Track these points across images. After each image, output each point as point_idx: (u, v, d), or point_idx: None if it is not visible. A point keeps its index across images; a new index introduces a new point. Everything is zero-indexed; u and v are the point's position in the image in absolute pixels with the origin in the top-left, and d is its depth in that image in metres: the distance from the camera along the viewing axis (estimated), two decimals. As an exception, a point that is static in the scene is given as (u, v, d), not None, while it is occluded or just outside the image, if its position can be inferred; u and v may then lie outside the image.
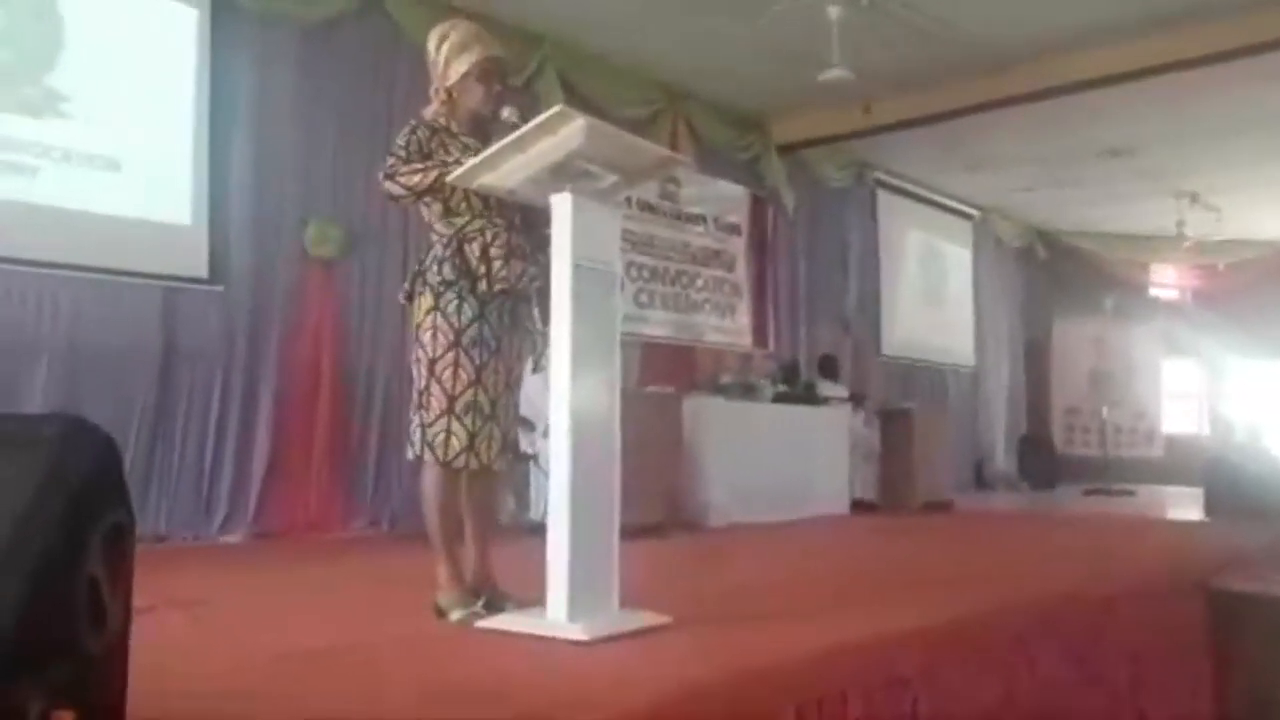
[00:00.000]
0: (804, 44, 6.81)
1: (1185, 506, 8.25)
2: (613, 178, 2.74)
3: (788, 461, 7.01)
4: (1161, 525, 7.51)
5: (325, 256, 5.97)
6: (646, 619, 2.68)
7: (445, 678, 2.25)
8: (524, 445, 5.55)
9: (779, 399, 7.57)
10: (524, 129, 2.53)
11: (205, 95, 5.59)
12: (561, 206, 2.62)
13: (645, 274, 7.81)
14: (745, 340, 8.76)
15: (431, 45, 3.01)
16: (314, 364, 5.92)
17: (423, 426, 2.88)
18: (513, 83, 6.09)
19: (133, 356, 5.22)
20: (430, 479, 2.92)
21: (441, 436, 2.85)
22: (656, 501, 5.76)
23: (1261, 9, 6.67)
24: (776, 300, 9.21)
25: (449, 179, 2.77)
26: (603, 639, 2.48)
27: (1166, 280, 14.65)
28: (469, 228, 2.91)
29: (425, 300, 2.90)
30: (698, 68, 7.83)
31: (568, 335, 2.58)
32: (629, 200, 7.51)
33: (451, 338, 2.86)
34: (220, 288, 5.59)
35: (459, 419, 2.85)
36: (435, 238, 2.95)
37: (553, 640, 2.49)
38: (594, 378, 2.68)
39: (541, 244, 2.94)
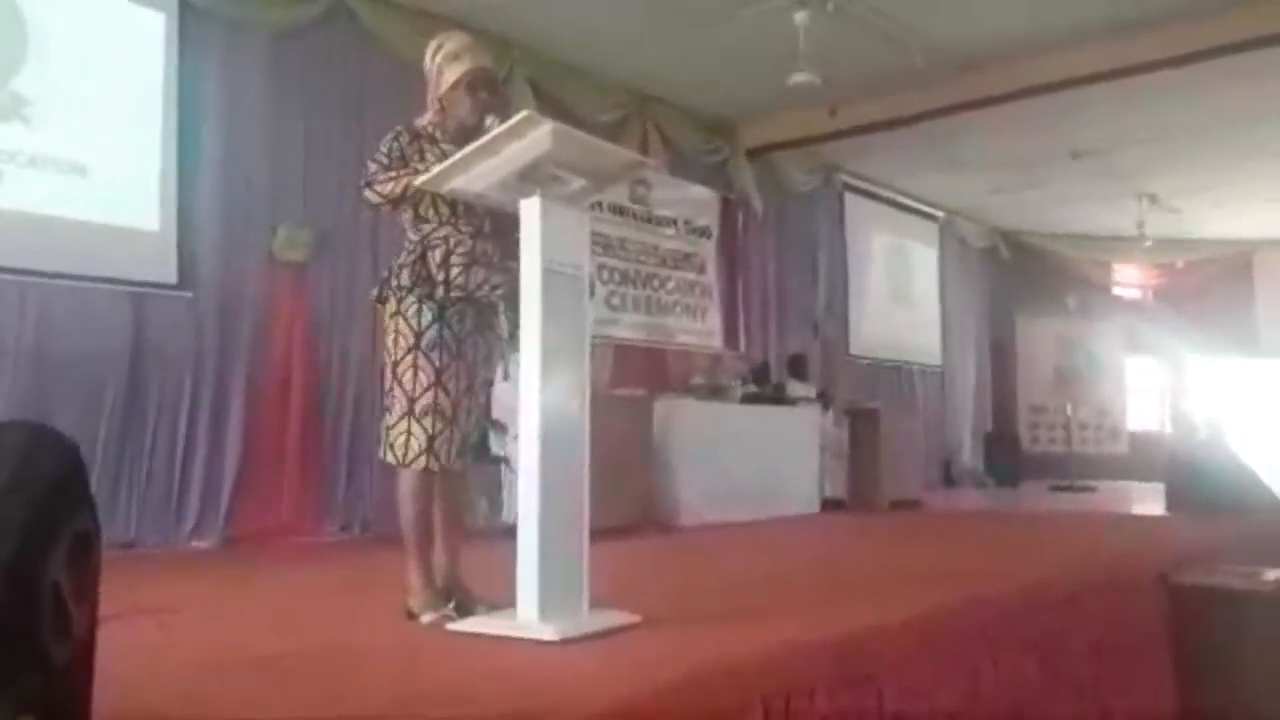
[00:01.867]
0: (771, 48, 6.87)
1: (1148, 502, 8.38)
2: (581, 182, 2.77)
3: (758, 461, 7.06)
4: (1124, 520, 7.63)
5: (294, 261, 5.96)
6: (616, 619, 2.71)
7: (416, 680, 2.27)
8: (496, 448, 5.58)
9: (749, 400, 7.62)
10: (492, 134, 2.56)
11: (173, 100, 5.56)
12: (530, 210, 2.65)
13: (616, 277, 7.84)
14: (715, 342, 8.82)
15: (428, 55, 3.08)
16: (284, 369, 5.90)
17: (387, 429, 2.95)
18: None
19: (101, 362, 5.18)
20: (406, 483, 2.96)
21: (402, 438, 2.90)
22: (628, 502, 5.79)
23: (1220, 14, 6.80)
24: (746, 302, 9.27)
25: (416, 183, 2.80)
26: (573, 639, 2.51)
27: (1128, 279, 14.90)
28: (434, 234, 2.95)
29: (390, 304, 2.97)
30: (666, 72, 7.88)
31: (537, 338, 2.61)
32: (599, 203, 7.54)
33: (411, 341, 2.91)
34: (189, 293, 5.56)
35: (418, 421, 2.89)
36: (406, 243, 3.01)
37: (523, 641, 2.52)
38: (564, 380, 2.71)
39: (511, 250, 2.97)
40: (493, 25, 6.86)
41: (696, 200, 8.74)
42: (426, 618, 2.84)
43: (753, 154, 9.29)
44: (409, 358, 2.92)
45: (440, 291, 2.92)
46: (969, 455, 12.49)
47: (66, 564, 1.37)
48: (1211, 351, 13.99)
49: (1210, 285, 14.11)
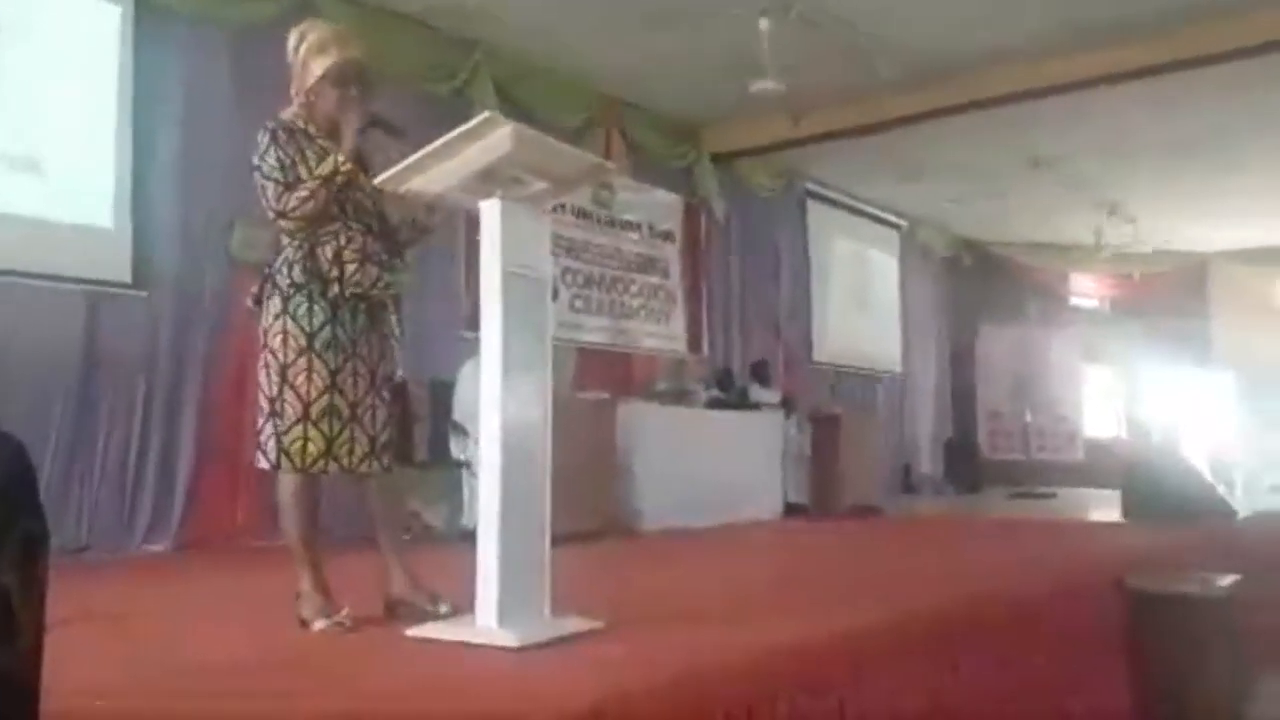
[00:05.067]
0: (736, 55, 6.89)
1: (1104, 508, 8.48)
2: (542, 184, 2.74)
3: (722, 466, 7.07)
4: (1082, 527, 7.73)
5: (254, 261, 5.86)
6: (578, 625, 2.68)
7: (370, 686, 2.23)
8: (456, 451, 5.54)
9: (713, 404, 7.64)
10: (452, 134, 2.52)
11: (128, 96, 5.46)
12: (490, 213, 2.62)
13: (580, 280, 7.82)
14: (680, 346, 8.82)
15: (290, 46, 2.98)
16: (240, 370, 5.80)
17: (277, 435, 2.82)
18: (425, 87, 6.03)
19: (53, 363, 5.07)
20: (287, 488, 2.86)
21: (299, 444, 2.81)
22: (590, 507, 5.76)
23: (1177, 30, 6.93)
24: (710, 307, 9.30)
25: (377, 182, 2.75)
26: (533, 645, 2.48)
27: (1085, 289, 15.12)
28: (324, 231, 2.86)
29: (274, 304, 2.85)
30: (632, 77, 7.88)
31: (498, 341, 2.58)
32: (563, 206, 7.53)
33: (303, 342, 2.82)
34: (144, 293, 5.47)
35: (315, 424, 2.81)
36: (286, 240, 2.90)
37: (483, 647, 2.48)
38: (525, 384, 2.68)
39: (398, 251, 2.96)
40: (457, 26, 6.84)
41: (660, 205, 8.75)
42: (319, 625, 2.76)
43: (717, 159, 9.33)
44: (301, 360, 2.81)
45: (334, 289, 2.83)
46: (929, 462, 12.60)
47: (12, 568, 1.33)
48: (1166, 361, 14.23)
49: (1165, 296, 14.35)
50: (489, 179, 2.64)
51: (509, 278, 2.61)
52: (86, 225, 5.30)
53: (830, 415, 8.73)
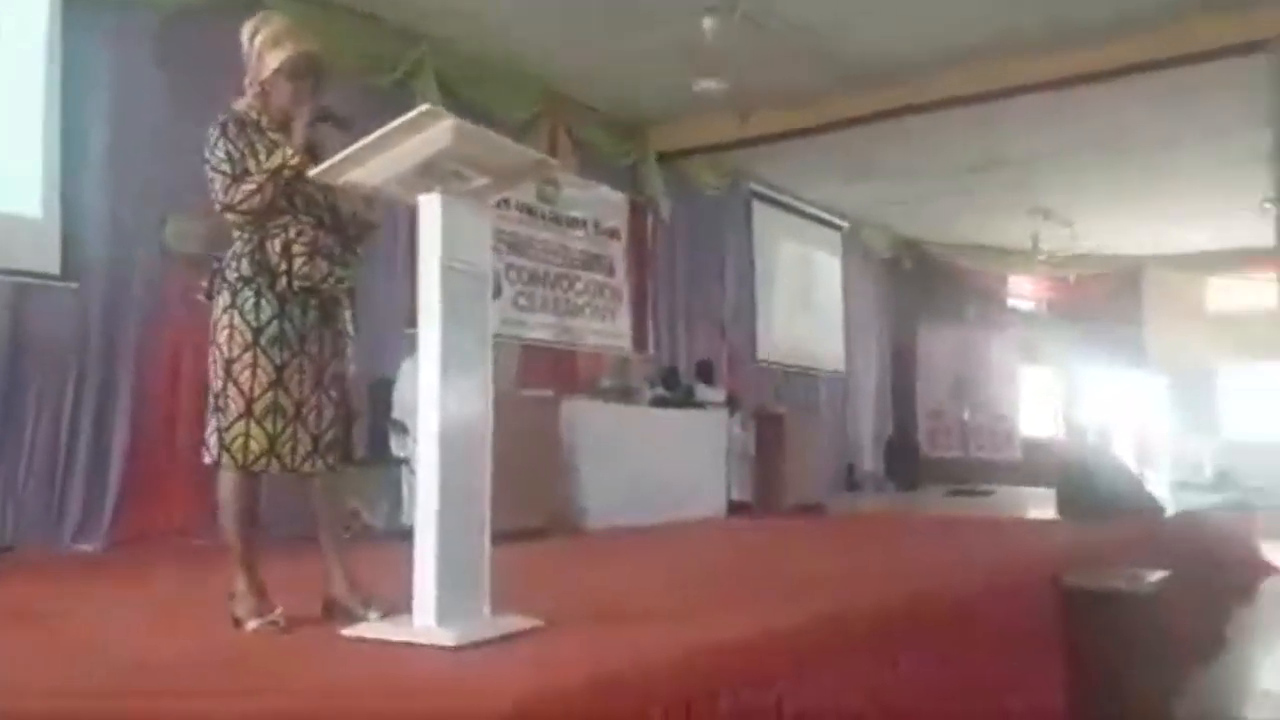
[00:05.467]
0: (682, 54, 6.90)
1: (1040, 506, 8.65)
2: (484, 179, 2.72)
3: (666, 464, 7.07)
4: (1018, 525, 7.86)
5: (188, 253, 5.73)
6: (518, 623, 2.67)
7: (305, 686, 2.19)
8: (396, 449, 5.47)
9: (657, 403, 7.64)
10: (390, 126, 2.49)
11: (56, 82, 5.30)
12: (429, 207, 2.59)
13: (524, 277, 7.77)
14: (625, 344, 8.82)
15: (245, 38, 2.94)
16: (175, 363, 5.67)
17: (219, 431, 2.79)
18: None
19: (-23, 356, 4.91)
20: (227, 485, 2.83)
21: (240, 440, 2.77)
22: (534, 505, 5.73)
23: (1117, 37, 7.09)
24: (655, 305, 9.31)
25: (313, 174, 2.70)
26: (471, 644, 2.46)
27: (1023, 291, 15.43)
28: (273, 224, 2.83)
29: (222, 298, 2.82)
30: (578, 73, 7.85)
31: (437, 338, 2.55)
32: (507, 202, 7.47)
33: (249, 337, 2.78)
34: (74, 284, 5.32)
35: (258, 422, 2.78)
36: (237, 233, 2.87)
37: (419, 646, 2.46)
38: (465, 381, 2.65)
39: (350, 245, 2.93)
40: (401, 18, 6.76)
41: (606, 202, 8.73)
42: (252, 625, 2.73)
43: (663, 158, 9.33)
44: (247, 355, 2.78)
45: (282, 282, 2.80)
46: (870, 460, 12.75)
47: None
48: (1101, 363, 14.59)
49: (1101, 299, 14.71)
50: (429, 173, 2.60)
51: (448, 273, 2.58)
52: (13, 215, 5.14)
53: (774, 414, 8.79)
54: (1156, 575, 4.71)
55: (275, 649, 2.59)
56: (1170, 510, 7.68)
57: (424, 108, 2.52)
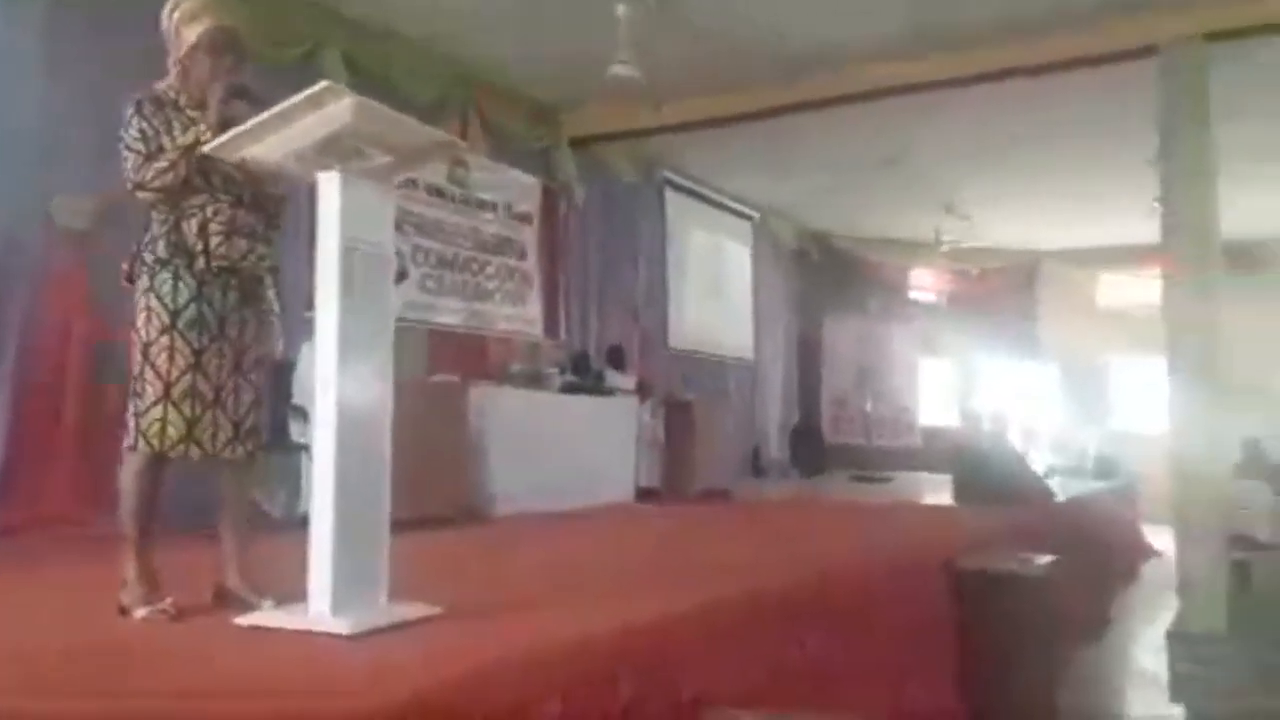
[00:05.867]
0: (596, 39, 6.86)
1: (938, 492, 8.91)
2: (386, 158, 2.66)
3: (575, 451, 7.06)
4: (916, 510, 8.09)
5: (75, 229, 5.49)
6: (416, 611, 2.64)
7: (196, 675, 2.13)
8: (296, 434, 5.34)
9: (567, 389, 7.61)
10: (289, 102, 2.42)
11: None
12: (329, 185, 2.53)
13: (433, 260, 7.64)
14: (536, 330, 8.75)
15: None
16: (61, 344, 5.43)
17: (136, 415, 2.74)
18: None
19: None
20: (131, 469, 2.77)
21: (157, 425, 2.72)
22: (441, 492, 5.67)
23: (1019, 38, 7.29)
24: (567, 291, 9.26)
25: (206, 148, 2.62)
26: (367, 632, 2.43)
27: (925, 284, 15.85)
28: (190, 203, 2.77)
29: (141, 281, 2.77)
30: (492, 55, 7.74)
31: (334, 320, 2.49)
32: (415, 183, 7.33)
33: (166, 320, 2.74)
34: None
35: (175, 406, 2.73)
36: (154, 215, 2.80)
37: (313, 635, 2.42)
38: (364, 365, 2.60)
39: (272, 223, 2.89)
40: (306, -8, 6.57)
41: (518, 186, 8.64)
42: (140, 613, 2.67)
43: (576, 143, 9.28)
44: (164, 338, 2.73)
45: (200, 262, 2.75)
46: (776, 447, 12.95)
47: None
48: (998, 354, 15.08)
49: (998, 292, 15.20)
50: (329, 150, 2.55)
51: (348, 254, 2.53)
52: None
53: (683, 401, 8.86)
54: (1045, 559, 4.90)
55: (163, 638, 2.52)
56: (1059, 496, 7.99)
57: (324, 84, 2.46)
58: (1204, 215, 7.19)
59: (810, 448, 12.76)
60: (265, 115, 2.47)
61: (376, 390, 2.64)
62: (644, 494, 7.95)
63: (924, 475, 11.70)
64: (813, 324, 14.13)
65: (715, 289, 11.96)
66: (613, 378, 8.43)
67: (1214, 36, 6.93)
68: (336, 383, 2.50)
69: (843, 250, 14.55)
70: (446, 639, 2.45)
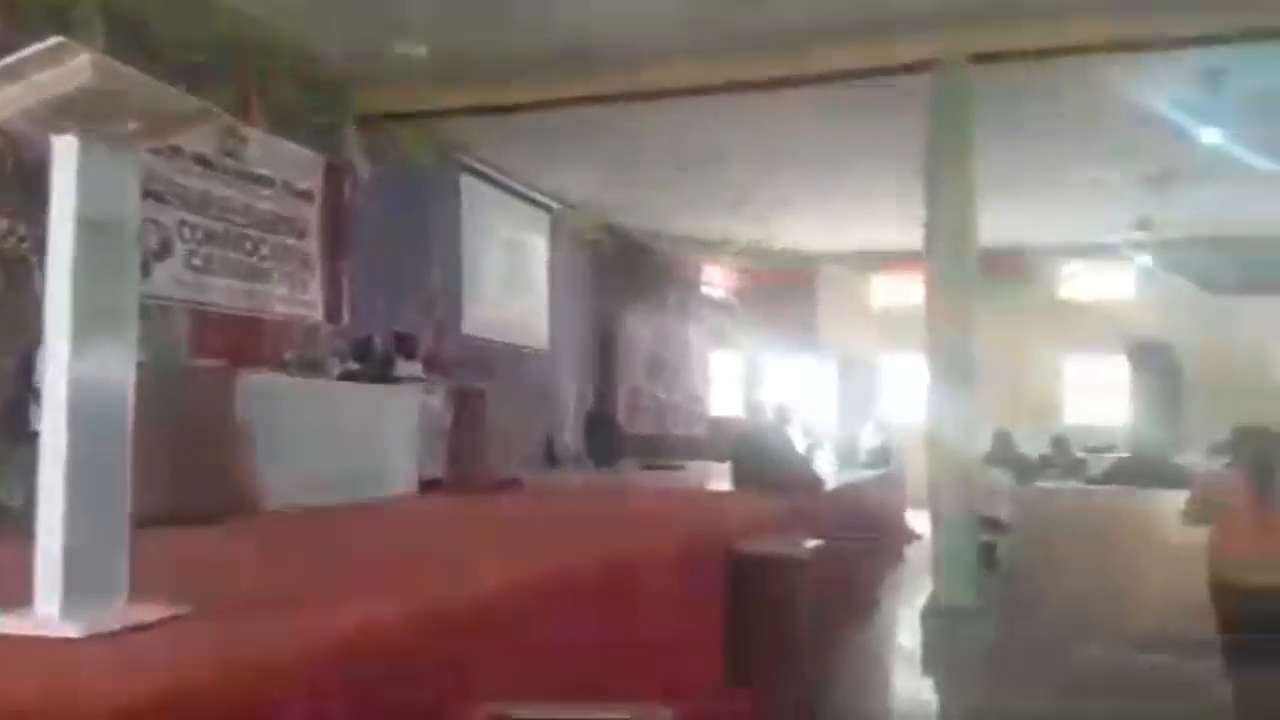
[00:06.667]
0: (387, 15, 6.65)
1: (723, 479, 9.21)
2: (134, 124, 2.46)
3: (355, 442, 6.80)
4: (700, 496, 8.33)
5: None
6: (159, 612, 2.46)
7: None
8: (34, 421, 4.88)
9: (347, 376, 7.34)
10: (14, 57, 2.19)
11: None
12: (65, 151, 2.32)
13: (200, 236, 7.11)
14: (316, 314, 8.38)
15: None
16: None
17: None
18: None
19: None
20: None
21: None
22: (205, 485, 5.32)
23: (797, 49, 7.62)
24: (353, 274, 8.91)
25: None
26: (102, 635, 2.25)
27: (717, 281, 16.39)
28: None
29: None
30: (278, 26, 7.34)
31: (67, 298, 2.29)
32: (180, 152, 6.81)
33: None
34: None
35: None
36: None
37: (44, 640, 2.23)
38: (103, 347, 2.40)
39: (39, 199, 2.61)
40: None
41: (298, 161, 8.21)
42: None
43: (366, 121, 8.96)
44: None
45: None
46: (572, 436, 13.02)
47: None
48: (782, 350, 15.81)
49: (784, 292, 15.94)
50: (66, 112, 2.33)
51: (85, 226, 2.32)
52: None
53: (475, 390, 8.73)
54: (812, 543, 5.16)
55: None
56: (831, 483, 8.45)
57: (56, 40, 2.24)
58: (963, 224, 7.77)
59: (606, 438, 12.90)
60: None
61: (117, 373, 2.44)
62: (429, 486, 7.78)
63: (714, 464, 12.09)
64: (609, 315, 14.30)
65: (512, 278, 11.87)
66: (402, 366, 8.18)
67: (979, 59, 7.48)
68: (68, 363, 2.30)
69: (640, 245, 14.81)
70: (191, 640, 2.30)
